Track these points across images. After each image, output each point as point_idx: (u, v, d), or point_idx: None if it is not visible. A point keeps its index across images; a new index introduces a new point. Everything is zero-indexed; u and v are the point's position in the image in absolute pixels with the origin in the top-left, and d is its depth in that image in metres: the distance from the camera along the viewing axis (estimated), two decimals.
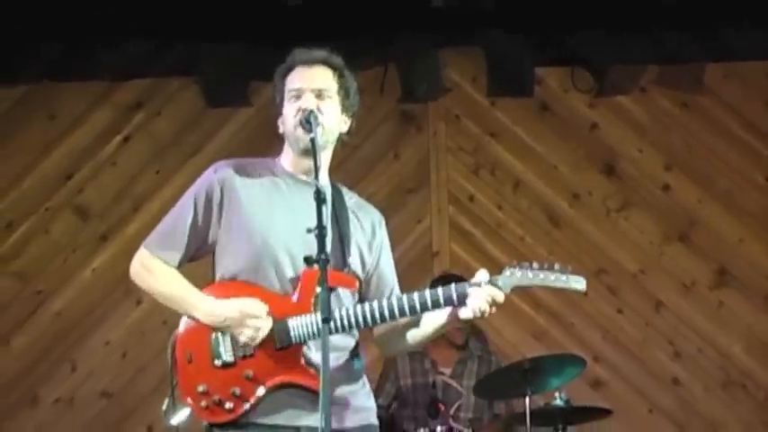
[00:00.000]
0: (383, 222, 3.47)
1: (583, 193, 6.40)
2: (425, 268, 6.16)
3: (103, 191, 6.37)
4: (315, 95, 3.28)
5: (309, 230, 3.02)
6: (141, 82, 6.41)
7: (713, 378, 6.20)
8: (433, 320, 3.30)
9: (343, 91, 3.35)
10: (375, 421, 3.36)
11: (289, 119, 3.30)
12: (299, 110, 3.26)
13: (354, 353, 3.34)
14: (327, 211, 3.12)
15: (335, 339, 3.17)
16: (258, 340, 3.17)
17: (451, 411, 5.42)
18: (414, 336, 3.37)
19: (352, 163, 6.15)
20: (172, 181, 6.23)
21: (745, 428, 6.14)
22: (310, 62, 3.34)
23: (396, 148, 6.45)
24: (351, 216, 3.37)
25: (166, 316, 3.41)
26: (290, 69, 3.36)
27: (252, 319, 3.16)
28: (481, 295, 3.15)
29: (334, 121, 3.32)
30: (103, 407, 6.20)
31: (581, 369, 5.22)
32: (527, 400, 5.01)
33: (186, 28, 6.01)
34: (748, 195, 6.33)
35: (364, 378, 3.39)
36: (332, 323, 3.08)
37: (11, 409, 6.16)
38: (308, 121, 3.20)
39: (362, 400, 3.34)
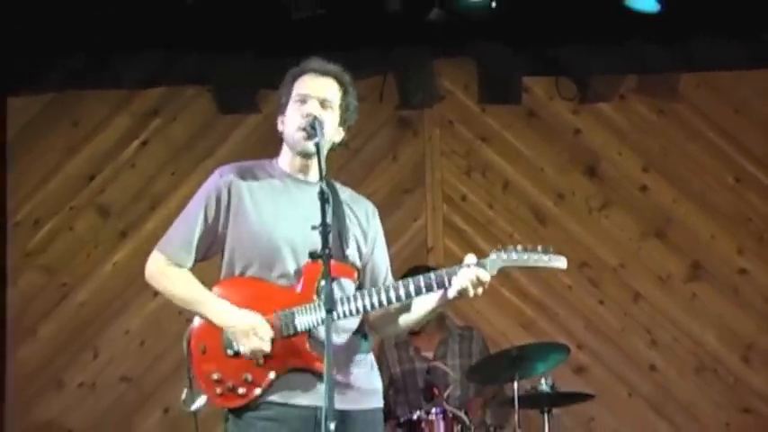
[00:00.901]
0: (376, 213, 3.46)
1: (567, 193, 6.40)
2: (421, 262, 6.15)
3: (123, 191, 6.36)
4: (319, 103, 3.27)
5: (314, 227, 3.01)
6: (158, 90, 6.41)
7: (687, 364, 6.20)
8: (424, 304, 3.30)
9: (345, 105, 3.34)
10: (380, 404, 3.35)
11: (292, 121, 3.29)
12: (303, 115, 3.24)
13: (361, 332, 3.34)
14: (330, 209, 3.12)
15: (340, 322, 3.19)
16: (253, 357, 3.16)
17: (445, 394, 5.39)
18: (406, 319, 3.37)
19: (354, 165, 6.17)
20: (186, 182, 6.22)
21: (716, 410, 6.15)
22: (321, 72, 3.33)
23: (394, 151, 6.45)
24: (346, 209, 3.36)
25: (181, 307, 3.41)
26: (301, 74, 3.34)
27: (256, 337, 3.16)
28: (466, 275, 3.17)
29: (331, 131, 3.31)
30: (123, 391, 6.19)
31: (565, 356, 5.23)
32: (515, 384, 5.01)
33: (199, 40, 6.01)
34: (720, 195, 6.33)
35: (371, 358, 3.38)
36: (335, 311, 3.09)
37: (38, 393, 6.17)
38: (312, 128, 3.18)
39: (369, 383, 3.33)
